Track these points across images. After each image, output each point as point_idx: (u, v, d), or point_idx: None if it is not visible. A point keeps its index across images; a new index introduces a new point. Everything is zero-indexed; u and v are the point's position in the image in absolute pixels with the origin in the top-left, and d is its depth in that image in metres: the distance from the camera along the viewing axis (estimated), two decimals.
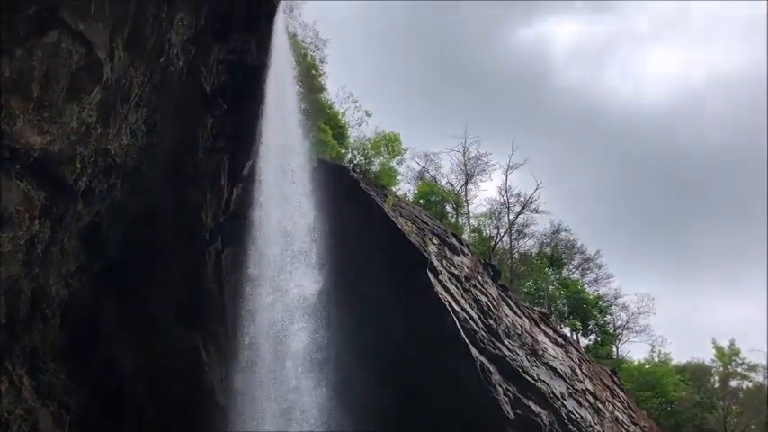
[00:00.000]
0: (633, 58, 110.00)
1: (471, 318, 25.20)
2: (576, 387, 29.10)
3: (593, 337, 47.83)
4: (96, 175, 16.10)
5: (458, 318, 24.26)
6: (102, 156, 15.91)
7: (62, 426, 16.77)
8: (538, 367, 27.43)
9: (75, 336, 17.69)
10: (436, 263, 25.28)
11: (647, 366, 47.76)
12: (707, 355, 50.02)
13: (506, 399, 24.58)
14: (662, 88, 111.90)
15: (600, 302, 48.61)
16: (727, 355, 47.73)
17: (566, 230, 49.65)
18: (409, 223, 26.11)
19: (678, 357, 51.25)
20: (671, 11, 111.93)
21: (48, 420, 16.42)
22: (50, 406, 16.67)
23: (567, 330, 41.28)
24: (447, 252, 27.11)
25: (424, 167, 43.93)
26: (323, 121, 28.09)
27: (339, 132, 30.24)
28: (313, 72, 29.68)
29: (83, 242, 17.11)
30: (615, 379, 35.25)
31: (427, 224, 27.76)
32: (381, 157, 31.39)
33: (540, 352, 28.34)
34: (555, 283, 47.86)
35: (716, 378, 49.00)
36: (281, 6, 21.92)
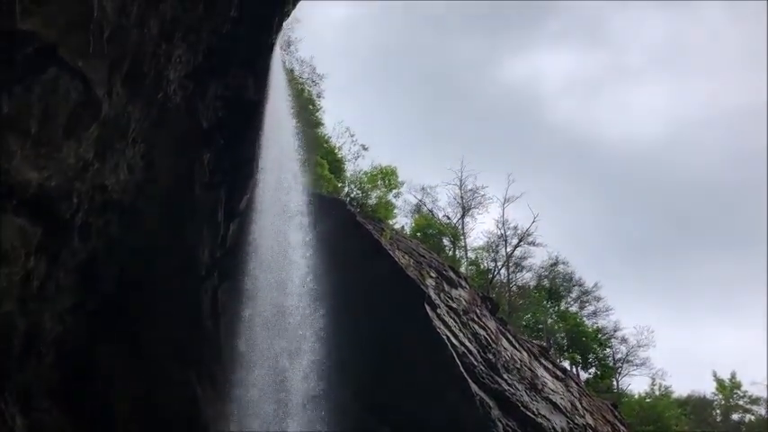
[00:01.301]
0: (627, 89, 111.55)
1: (470, 352, 25.01)
2: (576, 422, 28.75)
3: (592, 370, 47.48)
4: (93, 211, 16.07)
5: (456, 352, 24.06)
6: (98, 191, 15.91)
7: None
8: (538, 402, 27.14)
9: (70, 373, 17.47)
10: (434, 296, 25.17)
11: (647, 400, 47.31)
12: (708, 386, 49.66)
13: None
14: (657, 119, 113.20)
15: (599, 335, 48.35)
16: (729, 388, 47.34)
17: (564, 263, 49.69)
18: (406, 257, 26.07)
19: (678, 388, 50.95)
20: (665, 42, 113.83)
21: None
22: None
23: (566, 364, 40.98)
24: (445, 285, 27.02)
25: (420, 201, 44.11)
26: (320, 155, 28.23)
27: (336, 166, 30.37)
28: (310, 107, 29.95)
29: (78, 278, 17.01)
30: (616, 413, 34.86)
31: (425, 257, 27.71)
32: (378, 191, 31.46)
33: (540, 386, 28.07)
34: (553, 316, 47.64)
35: (717, 411, 48.54)
36: (279, 42, 22.19)
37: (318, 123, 30.77)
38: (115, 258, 17.91)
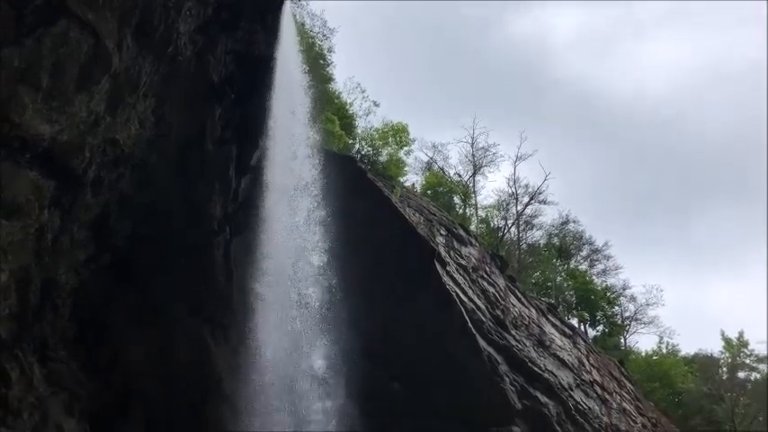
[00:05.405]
0: (634, 47, 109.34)
1: (478, 308, 25.22)
2: (583, 378, 29.11)
3: (600, 328, 47.78)
4: (105, 165, 16.16)
5: (465, 308, 24.27)
6: (110, 145, 15.97)
7: (73, 414, 16.88)
8: (545, 358, 27.45)
9: (85, 326, 17.78)
10: (444, 254, 25.29)
11: (654, 358, 47.68)
12: (715, 345, 49.94)
13: (513, 389, 24.62)
14: (664, 77, 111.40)
15: (608, 294, 48.49)
16: (736, 347, 47.54)
17: (574, 221, 49.53)
18: (417, 214, 26.11)
19: (686, 346, 51.18)
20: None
21: (59, 408, 16.52)
22: (61, 394, 16.77)
23: (574, 321, 41.25)
24: (455, 243, 27.12)
25: (431, 158, 43.87)
26: (330, 111, 28.00)
27: (347, 123, 30.13)
28: (321, 62, 29.58)
29: (92, 233, 17.20)
30: (623, 370, 35.23)
31: (435, 215, 27.74)
32: (389, 148, 31.29)
33: (548, 343, 28.36)
34: (563, 275, 47.75)
35: (724, 370, 48.87)
36: None
37: (329, 78, 30.40)
38: (128, 213, 18.05)
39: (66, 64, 13.11)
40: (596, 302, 46.87)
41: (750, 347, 47.08)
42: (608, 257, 49.79)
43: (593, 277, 48.93)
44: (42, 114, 13.17)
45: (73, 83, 13.43)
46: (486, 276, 27.59)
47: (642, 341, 55.54)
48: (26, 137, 13.38)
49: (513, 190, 45.23)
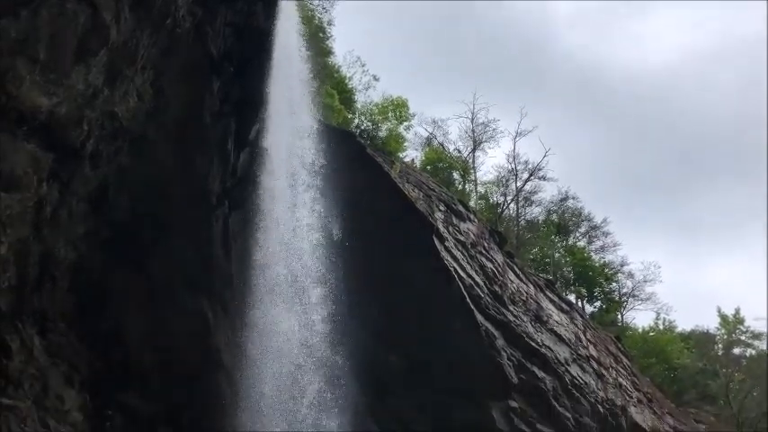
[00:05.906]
0: (636, 23, 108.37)
1: (476, 284, 25.33)
2: (579, 353, 29.34)
3: (598, 304, 48.05)
4: (103, 139, 16.11)
5: (463, 284, 24.38)
6: (108, 118, 15.90)
7: (72, 385, 17.04)
8: (542, 333, 27.64)
9: (84, 300, 17.85)
10: (442, 229, 25.31)
11: (651, 334, 48.01)
12: (712, 323, 50.29)
13: (510, 364, 24.85)
14: (665, 54, 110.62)
15: (606, 270, 48.68)
16: (732, 324, 47.90)
17: (573, 198, 49.56)
18: (416, 190, 26.08)
19: (683, 323, 51.54)
20: None
21: (58, 379, 16.67)
22: (61, 366, 16.90)
23: (572, 297, 41.46)
24: (453, 219, 27.13)
25: (431, 134, 43.74)
26: (330, 85, 27.80)
27: (346, 97, 29.95)
28: (320, 35, 29.33)
29: (91, 206, 17.18)
30: (619, 346, 35.49)
31: (434, 191, 27.71)
32: (389, 123, 31.14)
33: (545, 318, 28.53)
34: (561, 251, 47.90)
35: (719, 346, 49.30)
36: None
37: (329, 52, 30.16)
38: (126, 187, 18.02)
39: (63, 36, 13.00)
40: (594, 279, 47.12)
41: (746, 324, 47.51)
42: (606, 234, 50.02)
43: (592, 254, 49.16)
44: (40, 87, 13.09)
45: (70, 55, 13.34)
46: (484, 252, 27.65)
47: (639, 317, 55.89)
48: (23, 109, 13.32)
49: (513, 166, 45.29)
